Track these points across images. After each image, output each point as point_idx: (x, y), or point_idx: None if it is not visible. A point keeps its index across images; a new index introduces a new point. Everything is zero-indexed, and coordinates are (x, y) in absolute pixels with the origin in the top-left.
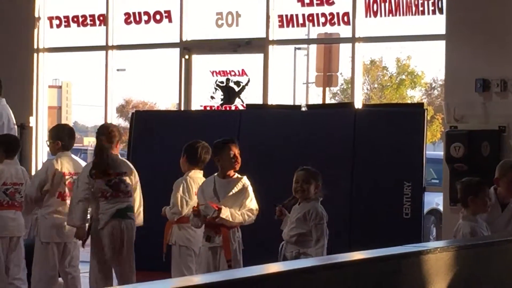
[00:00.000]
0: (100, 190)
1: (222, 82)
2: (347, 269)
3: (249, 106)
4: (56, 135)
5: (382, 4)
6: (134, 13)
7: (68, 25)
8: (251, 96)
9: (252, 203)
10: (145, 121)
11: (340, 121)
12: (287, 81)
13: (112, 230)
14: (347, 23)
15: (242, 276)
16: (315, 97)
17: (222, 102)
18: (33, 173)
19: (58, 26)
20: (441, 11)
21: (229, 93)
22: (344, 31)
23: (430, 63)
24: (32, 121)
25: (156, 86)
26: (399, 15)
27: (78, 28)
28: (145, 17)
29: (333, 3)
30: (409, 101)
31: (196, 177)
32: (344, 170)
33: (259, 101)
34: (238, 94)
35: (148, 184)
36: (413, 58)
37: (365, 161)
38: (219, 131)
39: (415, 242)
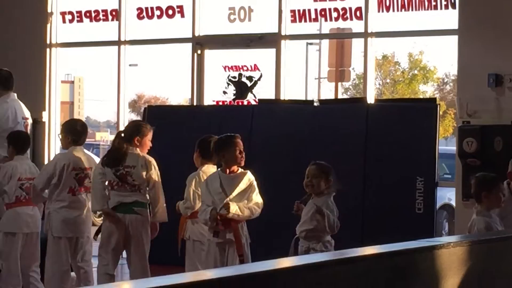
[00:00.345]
0: (109, 179)
1: (234, 77)
2: (359, 264)
3: (261, 101)
4: (68, 129)
5: None
6: (146, 8)
7: (80, 20)
8: (263, 91)
9: (258, 197)
10: (157, 116)
11: (352, 116)
12: (300, 76)
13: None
14: (360, 18)
15: (254, 270)
16: (327, 92)
17: (234, 97)
18: None
19: (71, 21)
20: (453, 6)
21: (242, 88)
22: (356, 26)
23: (443, 58)
24: (44, 116)
25: (169, 81)
26: (412, 10)
27: (90, 23)
28: (157, 12)
29: None
30: (421, 96)
31: (209, 171)
32: (356, 165)
33: (272, 96)
34: (250, 89)
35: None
36: (425, 53)
37: (378, 156)
38: (232, 126)
39: (428, 237)
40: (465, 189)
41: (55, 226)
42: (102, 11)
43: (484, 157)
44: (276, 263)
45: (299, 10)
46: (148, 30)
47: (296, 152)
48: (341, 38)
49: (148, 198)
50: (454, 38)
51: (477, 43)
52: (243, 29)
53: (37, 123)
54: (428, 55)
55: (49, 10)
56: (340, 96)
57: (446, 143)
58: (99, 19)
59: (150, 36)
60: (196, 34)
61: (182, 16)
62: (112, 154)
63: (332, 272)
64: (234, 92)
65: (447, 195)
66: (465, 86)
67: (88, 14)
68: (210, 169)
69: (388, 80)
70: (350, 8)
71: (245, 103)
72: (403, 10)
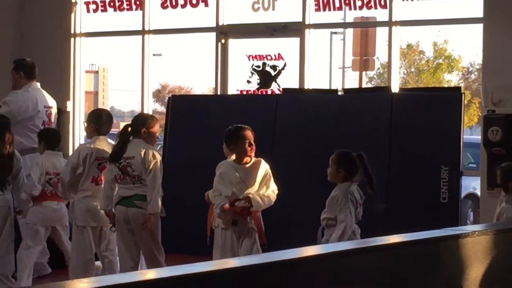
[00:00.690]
0: (115, 174)
1: (258, 66)
2: (384, 252)
3: (285, 91)
4: (93, 119)
5: None
6: None
7: (104, 10)
8: (287, 80)
9: (273, 184)
10: (181, 106)
11: (377, 105)
12: (324, 65)
13: (118, 215)
14: (384, 6)
15: (279, 259)
16: (352, 81)
17: (258, 86)
18: None
19: (95, 10)
20: None
21: (266, 77)
22: (380, 14)
23: (467, 47)
24: (69, 105)
25: (192, 70)
26: None
27: (114, 13)
28: (181, 1)
29: None
30: (446, 86)
31: None
32: (381, 154)
33: (296, 85)
34: (274, 78)
35: (184, 169)
36: (450, 42)
37: (402, 145)
38: (256, 115)
39: (453, 226)
40: (490, 179)
41: (79, 216)
42: (126, 0)
43: (509, 146)
44: (301, 251)
45: None
46: (172, 20)
47: (320, 141)
48: (365, 27)
49: None
50: (479, 27)
51: (502, 31)
52: (267, 18)
53: (62, 113)
54: (453, 44)
55: (73, 0)
56: (364, 85)
57: (471, 133)
58: (123, 9)
59: (174, 26)
60: (220, 23)
61: (206, 5)
62: (113, 149)
63: (358, 260)
64: (258, 81)
65: (472, 185)
66: (490, 75)
67: (112, 4)
68: None
69: (412, 69)
70: None
71: (269, 92)
72: None
